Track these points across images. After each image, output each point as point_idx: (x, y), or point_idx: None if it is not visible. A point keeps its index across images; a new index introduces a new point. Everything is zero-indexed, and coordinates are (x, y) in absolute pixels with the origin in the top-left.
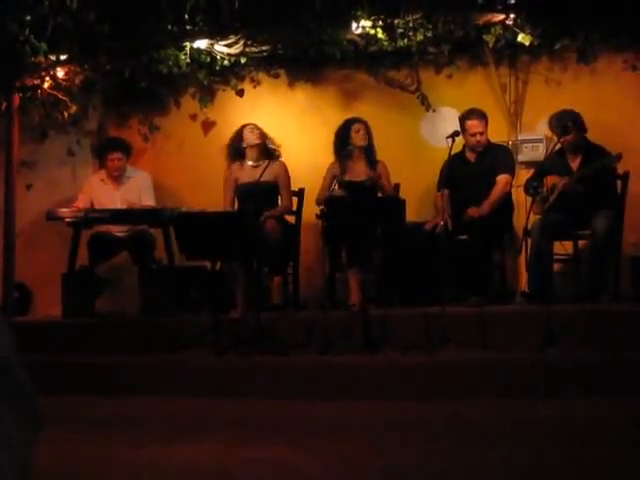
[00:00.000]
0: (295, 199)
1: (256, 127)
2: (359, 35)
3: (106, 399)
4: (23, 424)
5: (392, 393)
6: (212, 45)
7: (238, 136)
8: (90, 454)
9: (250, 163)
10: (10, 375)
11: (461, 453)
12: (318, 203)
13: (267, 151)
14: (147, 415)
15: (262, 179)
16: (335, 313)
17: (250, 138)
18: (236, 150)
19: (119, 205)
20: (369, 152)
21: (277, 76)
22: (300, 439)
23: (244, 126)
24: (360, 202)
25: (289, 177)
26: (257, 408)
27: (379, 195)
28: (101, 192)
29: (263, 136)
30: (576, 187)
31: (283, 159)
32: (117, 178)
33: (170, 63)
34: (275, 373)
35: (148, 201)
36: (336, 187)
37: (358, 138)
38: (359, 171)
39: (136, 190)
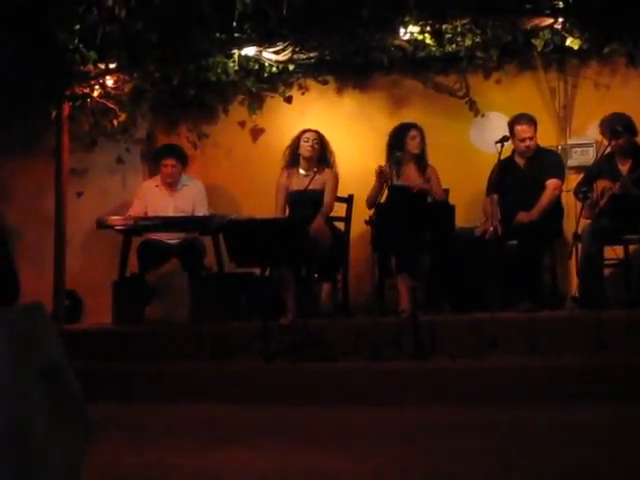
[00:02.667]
0: (344, 205)
1: (314, 137)
2: (407, 41)
3: (157, 406)
4: (75, 431)
5: (442, 399)
6: (260, 52)
7: (296, 143)
8: (142, 461)
9: (302, 172)
10: (62, 383)
11: (512, 459)
12: (368, 205)
13: (321, 160)
14: (198, 421)
15: (310, 187)
16: (384, 320)
17: (303, 148)
18: (292, 156)
19: (171, 212)
20: (421, 158)
21: (325, 82)
22: (350, 445)
23: (303, 133)
24: (409, 208)
25: (336, 184)
26: (306, 415)
27: (429, 200)
28: (155, 198)
29: (319, 147)
30: (631, 189)
31: (335, 168)
32: (171, 185)
33: (218, 70)
34: (324, 380)
35: (202, 211)
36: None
37: (413, 145)
38: (410, 176)
39: (190, 199)
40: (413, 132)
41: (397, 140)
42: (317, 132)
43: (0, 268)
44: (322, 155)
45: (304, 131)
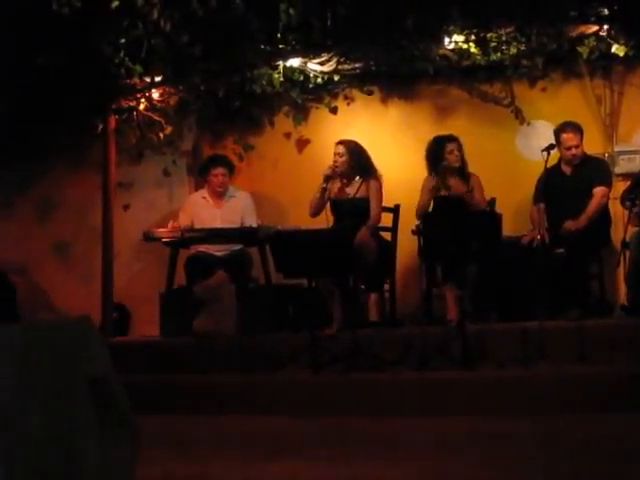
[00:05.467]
0: (391, 215)
1: (338, 151)
2: (452, 50)
3: (204, 418)
4: (123, 443)
5: (490, 409)
6: (305, 63)
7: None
8: (189, 473)
9: (344, 180)
10: (110, 395)
11: (560, 469)
12: (418, 217)
13: (359, 168)
14: (245, 433)
15: (353, 196)
16: (432, 329)
17: (329, 166)
18: (334, 169)
19: (219, 223)
20: (462, 168)
21: (370, 93)
22: (399, 455)
23: (335, 146)
24: (456, 217)
25: (379, 193)
26: (355, 425)
27: (473, 209)
28: (202, 210)
29: (347, 159)
30: None
31: (378, 175)
32: (219, 195)
33: (263, 82)
34: (372, 390)
35: (252, 222)
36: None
37: (452, 159)
38: (454, 187)
39: (238, 210)
40: (450, 146)
41: (435, 154)
42: (345, 144)
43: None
44: (359, 165)
45: (336, 144)
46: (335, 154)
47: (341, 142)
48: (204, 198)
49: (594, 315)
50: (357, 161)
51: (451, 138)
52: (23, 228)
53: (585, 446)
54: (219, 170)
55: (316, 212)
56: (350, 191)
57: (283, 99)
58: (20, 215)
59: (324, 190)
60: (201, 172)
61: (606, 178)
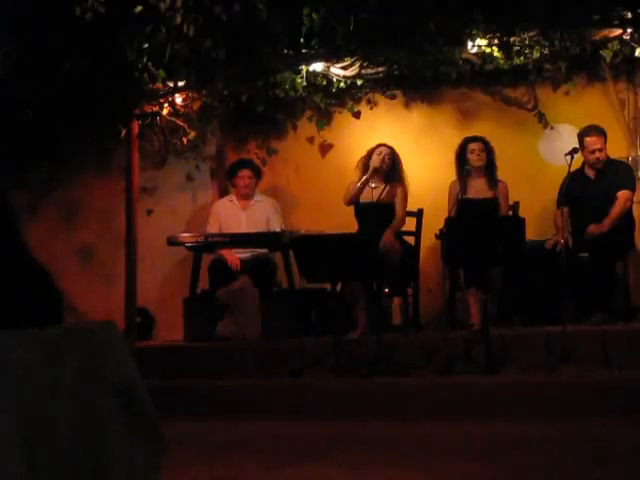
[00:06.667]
0: (414, 219)
1: (387, 152)
2: (475, 54)
3: (229, 422)
4: (148, 447)
5: (513, 413)
6: (328, 68)
7: (369, 154)
8: (213, 476)
9: (372, 184)
10: (135, 399)
11: (586, 473)
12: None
13: (393, 174)
14: (271, 437)
15: (379, 199)
16: (455, 334)
17: (374, 160)
18: (364, 168)
19: (244, 225)
20: (489, 170)
21: (393, 97)
22: (424, 460)
23: (378, 146)
24: (479, 221)
25: (405, 200)
26: (378, 429)
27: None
28: (228, 213)
29: (390, 162)
30: None
31: (405, 185)
32: (246, 197)
33: (286, 87)
34: (395, 394)
35: (278, 226)
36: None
37: (473, 159)
38: (479, 189)
39: (263, 214)
40: (472, 145)
41: (459, 155)
42: (392, 148)
43: (44, 292)
44: (392, 171)
45: (379, 145)
46: (381, 153)
47: (385, 145)
48: (231, 201)
49: (618, 319)
50: (394, 167)
51: (476, 138)
52: (47, 232)
53: (609, 450)
54: (245, 172)
55: (352, 201)
56: (375, 195)
57: (306, 103)
58: (44, 219)
59: (367, 182)
60: (229, 175)
61: (630, 182)
